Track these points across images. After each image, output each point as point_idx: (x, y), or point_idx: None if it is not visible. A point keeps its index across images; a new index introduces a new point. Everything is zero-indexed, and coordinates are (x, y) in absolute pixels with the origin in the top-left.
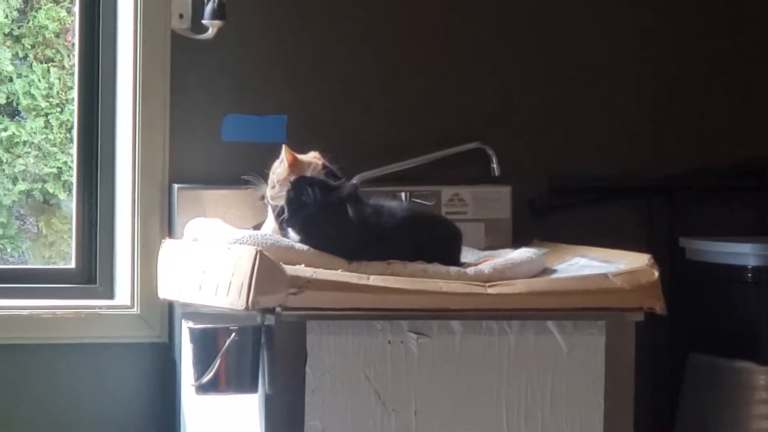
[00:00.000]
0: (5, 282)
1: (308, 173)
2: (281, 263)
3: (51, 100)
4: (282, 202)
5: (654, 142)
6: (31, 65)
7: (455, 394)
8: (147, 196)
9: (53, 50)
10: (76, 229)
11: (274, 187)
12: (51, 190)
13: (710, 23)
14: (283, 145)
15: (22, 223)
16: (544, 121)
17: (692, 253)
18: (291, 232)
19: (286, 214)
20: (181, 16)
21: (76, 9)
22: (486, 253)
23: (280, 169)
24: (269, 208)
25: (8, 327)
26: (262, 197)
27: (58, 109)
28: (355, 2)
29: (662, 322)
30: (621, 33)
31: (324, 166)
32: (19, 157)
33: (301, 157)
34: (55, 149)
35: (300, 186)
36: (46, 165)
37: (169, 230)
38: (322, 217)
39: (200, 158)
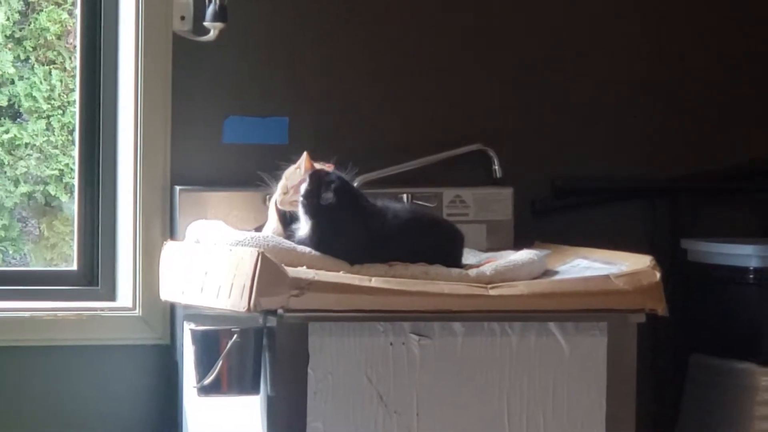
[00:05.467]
0: (7, 284)
1: None
2: (283, 265)
3: (53, 102)
4: (292, 208)
5: (656, 144)
6: (32, 67)
7: (457, 395)
8: (148, 198)
9: (55, 52)
10: (77, 231)
11: (286, 192)
12: (53, 192)
13: (712, 24)
14: (305, 152)
15: (23, 225)
16: (545, 123)
17: (694, 255)
18: (301, 225)
19: (304, 201)
20: (182, 18)
21: (78, 11)
22: (488, 254)
23: (295, 175)
24: (270, 211)
25: (10, 329)
26: (266, 200)
27: (60, 111)
28: (356, 4)
29: (664, 324)
30: (622, 34)
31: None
32: (21, 159)
33: (319, 166)
34: (57, 151)
35: (329, 180)
36: (47, 167)
37: (171, 232)
38: (340, 222)
39: (202, 160)
